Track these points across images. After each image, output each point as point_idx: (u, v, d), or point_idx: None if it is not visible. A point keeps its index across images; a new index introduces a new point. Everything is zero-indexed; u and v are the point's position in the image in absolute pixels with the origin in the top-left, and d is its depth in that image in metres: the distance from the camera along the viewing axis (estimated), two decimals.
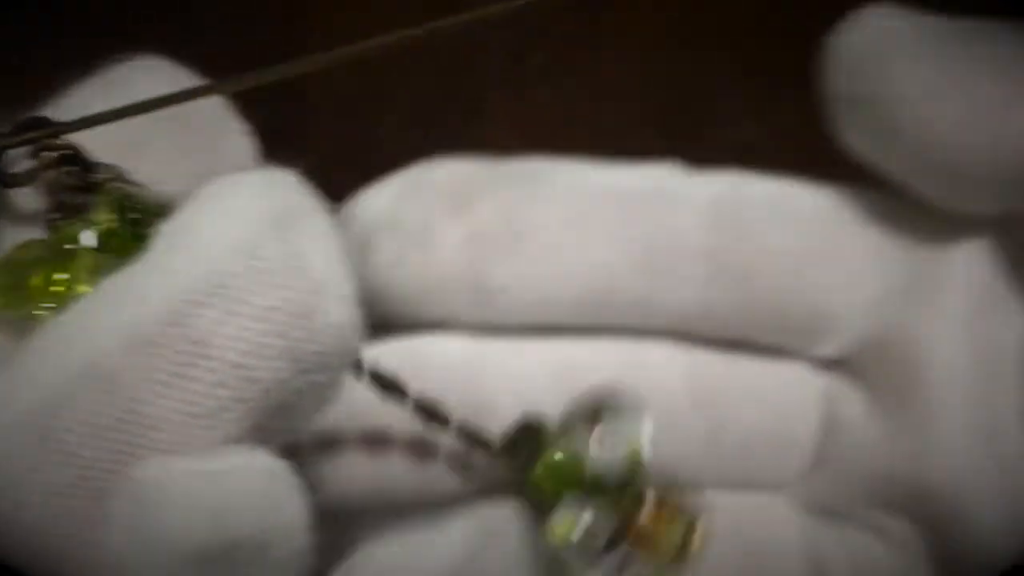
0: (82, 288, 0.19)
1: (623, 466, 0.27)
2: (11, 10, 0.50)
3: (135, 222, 0.19)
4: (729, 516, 0.28)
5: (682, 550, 0.27)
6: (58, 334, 0.18)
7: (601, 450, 0.27)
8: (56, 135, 0.19)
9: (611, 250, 0.28)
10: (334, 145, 0.52)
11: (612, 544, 0.26)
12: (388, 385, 0.25)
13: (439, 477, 0.27)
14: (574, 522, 0.26)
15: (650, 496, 0.26)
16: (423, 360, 0.28)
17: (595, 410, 0.27)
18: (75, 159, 0.19)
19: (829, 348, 0.29)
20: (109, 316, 0.18)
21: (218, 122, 0.22)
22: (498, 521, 0.27)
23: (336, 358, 0.19)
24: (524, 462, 0.27)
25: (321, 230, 0.19)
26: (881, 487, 0.27)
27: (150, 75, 0.21)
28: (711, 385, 0.29)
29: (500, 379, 0.28)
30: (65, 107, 0.21)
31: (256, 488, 0.18)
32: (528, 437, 0.27)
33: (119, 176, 0.19)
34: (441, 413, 0.26)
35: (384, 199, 0.28)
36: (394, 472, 0.27)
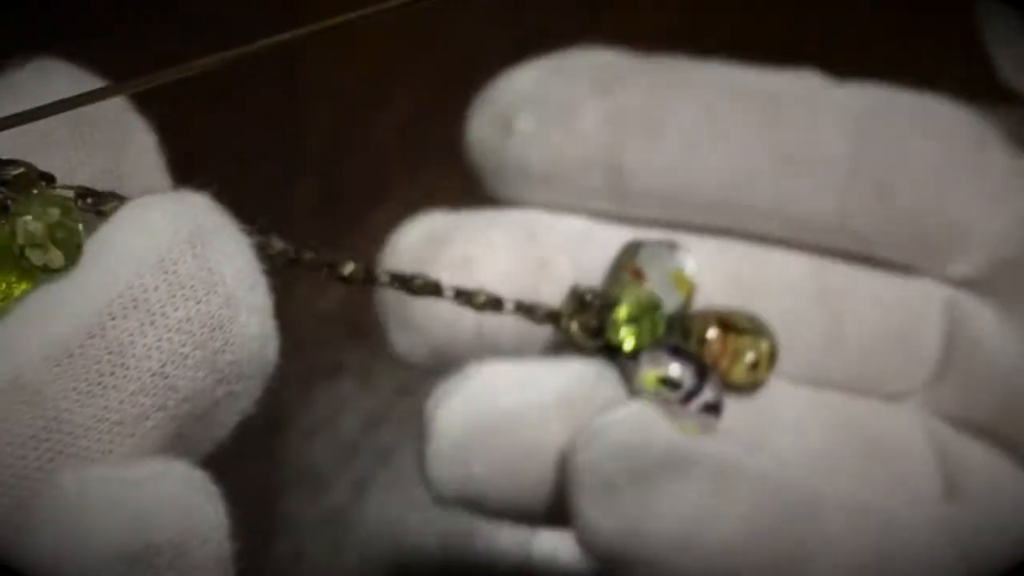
0: (23, 286, 0.20)
1: (681, 300, 0.27)
2: (11, 10, 0.50)
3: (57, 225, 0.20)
4: (855, 417, 0.28)
5: (755, 370, 0.27)
6: None
7: (656, 292, 0.27)
8: None
9: (749, 149, 0.28)
10: (334, 145, 0.52)
11: (700, 381, 0.26)
12: (415, 285, 0.25)
13: (540, 331, 0.28)
14: (659, 372, 0.26)
15: (713, 322, 0.27)
16: (536, 227, 0.28)
17: (634, 259, 0.27)
18: None
19: (962, 268, 0.28)
20: (32, 331, 0.19)
21: (122, 120, 0.22)
22: (607, 368, 0.27)
23: (252, 368, 0.20)
24: (594, 328, 0.27)
25: (233, 246, 0.20)
26: (1015, 405, 0.27)
27: (49, 77, 0.21)
28: (833, 285, 0.28)
29: (609, 257, 0.28)
30: None
31: (173, 495, 0.19)
32: (587, 303, 0.27)
33: (29, 170, 0.20)
34: (491, 298, 0.26)
35: (529, 77, 0.29)
36: (499, 322, 0.27)
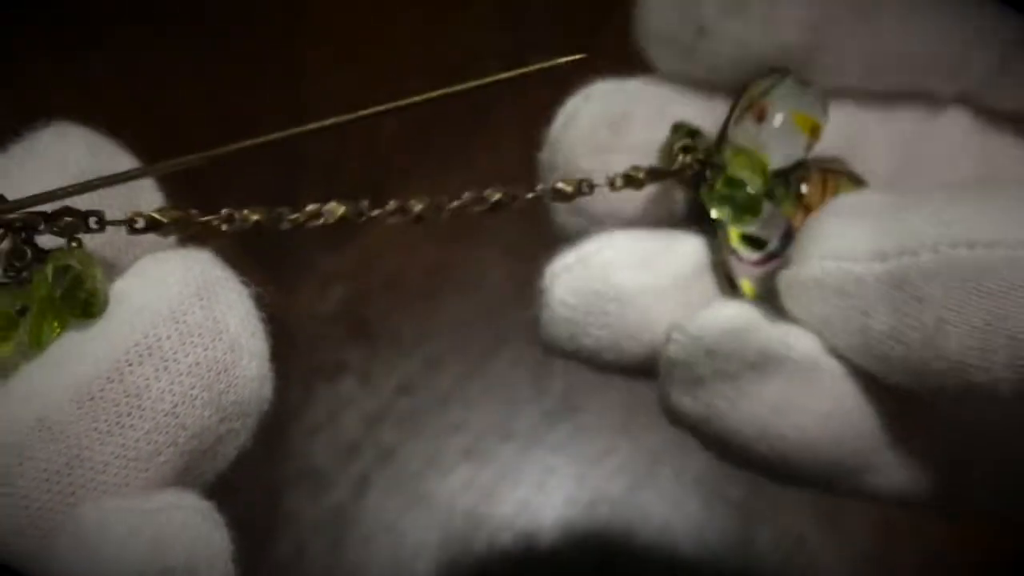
0: (58, 331, 0.22)
1: (800, 145, 0.26)
2: (11, 9, 0.50)
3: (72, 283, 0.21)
4: None
5: None
6: (12, 392, 0.21)
7: (776, 134, 0.26)
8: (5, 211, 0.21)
9: (936, 31, 0.27)
10: (334, 150, 0.52)
11: (783, 243, 0.26)
12: (486, 204, 0.24)
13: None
14: (744, 229, 0.26)
15: (815, 171, 0.27)
16: (715, 104, 0.27)
17: (765, 96, 0.26)
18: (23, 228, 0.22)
19: None
20: (58, 375, 0.21)
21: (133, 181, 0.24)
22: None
23: (251, 407, 0.22)
24: (701, 178, 0.26)
25: (236, 297, 0.22)
26: None
27: (67, 142, 0.23)
28: (996, 148, 0.29)
29: None
30: None
31: (185, 524, 0.21)
32: (691, 149, 0.26)
33: (76, 216, 0.21)
34: (583, 182, 0.25)
35: None
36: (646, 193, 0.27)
